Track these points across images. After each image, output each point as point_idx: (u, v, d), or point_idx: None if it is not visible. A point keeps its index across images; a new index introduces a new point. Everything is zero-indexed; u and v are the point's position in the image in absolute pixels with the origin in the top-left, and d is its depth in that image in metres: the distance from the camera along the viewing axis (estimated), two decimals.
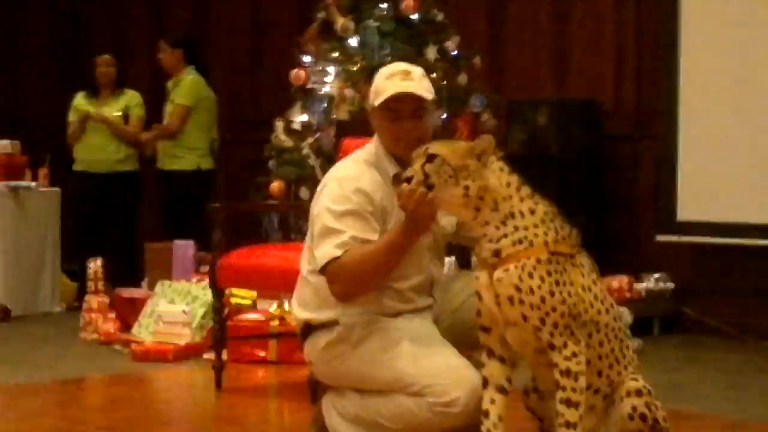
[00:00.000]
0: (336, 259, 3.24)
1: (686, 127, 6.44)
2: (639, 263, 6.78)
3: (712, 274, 6.61)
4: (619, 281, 6.45)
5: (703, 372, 5.46)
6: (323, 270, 3.29)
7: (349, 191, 3.32)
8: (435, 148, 3.16)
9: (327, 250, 3.26)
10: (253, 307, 5.80)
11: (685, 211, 6.43)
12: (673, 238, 6.47)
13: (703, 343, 6.25)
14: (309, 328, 3.45)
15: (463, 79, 6.59)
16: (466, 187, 3.11)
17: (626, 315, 5.87)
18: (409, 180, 3.12)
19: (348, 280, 3.25)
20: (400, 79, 3.35)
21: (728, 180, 6.30)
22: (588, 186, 6.83)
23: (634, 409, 3.18)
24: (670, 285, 6.60)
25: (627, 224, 6.96)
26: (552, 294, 3.07)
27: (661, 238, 6.51)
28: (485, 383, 3.18)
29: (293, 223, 6.36)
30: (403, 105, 3.34)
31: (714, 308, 6.53)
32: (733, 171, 6.28)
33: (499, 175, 3.16)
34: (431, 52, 6.48)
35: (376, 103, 3.37)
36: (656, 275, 6.58)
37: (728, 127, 6.31)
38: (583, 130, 6.87)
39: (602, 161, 6.96)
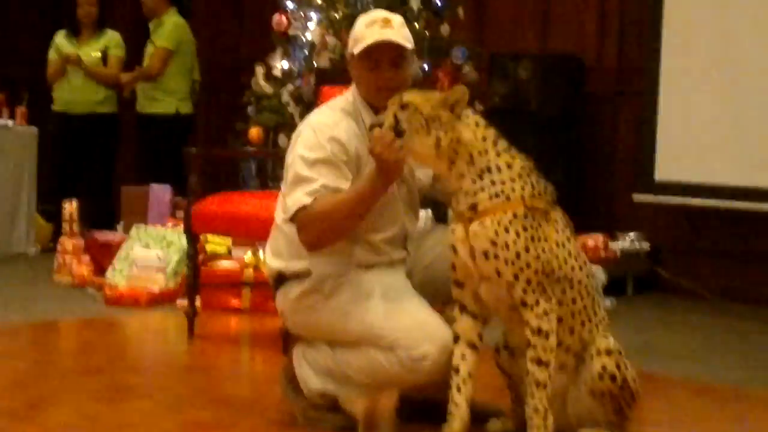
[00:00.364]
0: (305, 207, 3.22)
1: (667, 86, 6.41)
2: (615, 222, 6.78)
3: (688, 235, 6.63)
4: (594, 240, 6.42)
5: (676, 334, 5.47)
6: (293, 218, 3.26)
7: (323, 139, 3.29)
8: (409, 96, 3.15)
9: (297, 198, 3.25)
10: (228, 255, 5.77)
11: (663, 172, 6.42)
12: (650, 198, 6.46)
13: (677, 305, 6.27)
14: (281, 278, 3.44)
15: (445, 30, 6.54)
16: (438, 138, 3.10)
17: (600, 274, 5.88)
18: (380, 126, 3.10)
19: (317, 229, 3.23)
20: (380, 27, 3.32)
21: (707, 141, 6.29)
22: (567, 142, 6.82)
23: (603, 368, 3.19)
24: (646, 245, 6.60)
25: (604, 183, 6.96)
26: (527, 249, 3.06)
27: (638, 197, 6.51)
28: (456, 339, 3.18)
29: (271, 171, 6.33)
30: (382, 54, 3.31)
31: (689, 270, 6.55)
32: (713, 132, 6.26)
33: (474, 129, 3.15)
34: (415, 2, 6.42)
35: (355, 51, 3.33)
36: (632, 235, 6.58)
37: (709, 89, 6.29)
38: (565, 86, 6.85)
39: (583, 118, 6.94)
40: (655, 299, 6.41)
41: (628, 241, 6.58)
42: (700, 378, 4.45)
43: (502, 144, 3.18)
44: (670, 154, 6.42)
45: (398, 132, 3.10)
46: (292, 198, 3.27)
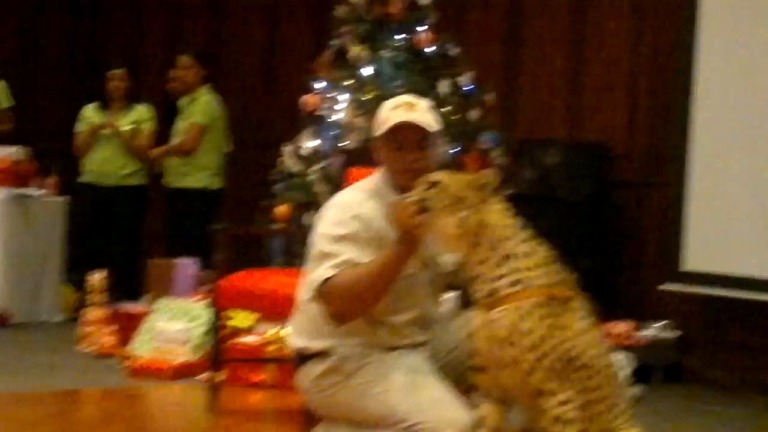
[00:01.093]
0: (329, 279, 3.23)
1: (696, 175, 6.40)
2: (643, 311, 6.73)
3: (717, 325, 6.56)
4: (621, 327, 6.40)
5: (702, 425, 5.40)
6: (318, 292, 3.26)
7: (347, 216, 3.31)
8: (438, 175, 3.18)
9: (321, 272, 3.25)
10: (251, 331, 5.75)
11: (691, 261, 6.39)
12: (678, 287, 6.42)
13: (704, 396, 6.18)
14: (303, 357, 3.43)
15: (474, 114, 6.57)
16: (462, 218, 3.11)
17: (628, 361, 5.82)
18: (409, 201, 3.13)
19: (341, 300, 3.23)
20: (404, 110, 3.35)
21: (736, 232, 6.25)
22: (594, 230, 6.80)
23: None
24: (673, 334, 6.54)
25: (632, 271, 6.92)
26: (545, 338, 3.04)
27: (664, 287, 6.47)
28: (479, 424, 3.15)
29: (296, 248, 6.34)
30: (406, 135, 3.33)
31: (717, 360, 6.48)
32: (742, 223, 6.24)
33: (499, 215, 3.16)
34: (444, 86, 6.47)
35: (380, 132, 3.36)
36: (659, 323, 6.53)
37: (739, 178, 6.27)
38: (593, 174, 6.85)
39: (610, 206, 6.93)
40: (683, 389, 6.32)
41: (655, 330, 6.52)
42: None
43: (526, 233, 3.18)
44: (698, 244, 6.38)
45: (424, 208, 3.11)
46: (315, 273, 3.28)
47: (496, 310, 3.08)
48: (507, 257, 3.11)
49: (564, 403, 3.05)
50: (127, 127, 7.54)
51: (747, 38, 6.31)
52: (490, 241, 3.12)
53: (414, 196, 3.14)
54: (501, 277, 3.10)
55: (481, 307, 3.13)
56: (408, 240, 3.16)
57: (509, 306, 3.07)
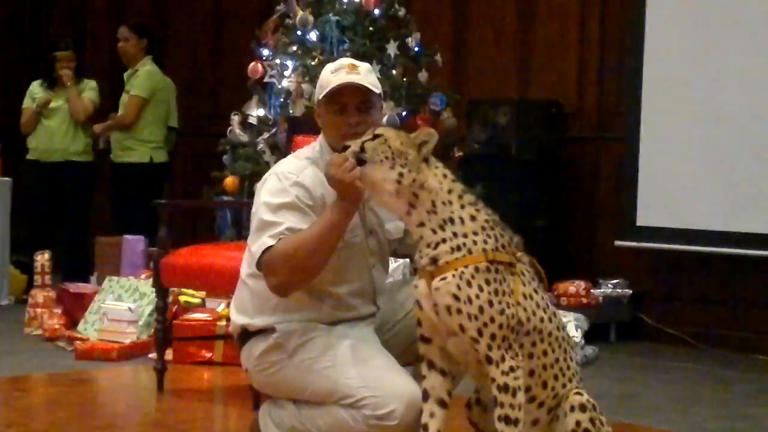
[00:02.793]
0: (270, 248, 3.13)
1: (647, 131, 6.36)
2: (597, 268, 6.71)
3: (671, 280, 6.55)
4: (575, 286, 6.38)
5: (657, 382, 5.38)
6: (259, 264, 3.17)
7: (287, 185, 3.22)
8: (382, 129, 3.10)
9: (262, 242, 3.16)
10: (202, 306, 5.67)
11: (644, 217, 6.35)
12: (632, 244, 6.39)
13: (660, 351, 6.19)
14: (245, 334, 3.34)
15: (423, 76, 6.50)
16: (401, 174, 3.01)
17: (582, 321, 5.81)
18: (347, 148, 3.05)
19: (284, 268, 3.12)
20: (346, 72, 3.26)
21: (688, 186, 6.23)
22: (547, 188, 6.75)
23: (578, 424, 3.08)
24: (628, 291, 6.52)
25: (586, 228, 6.89)
26: (491, 304, 2.96)
27: (619, 243, 6.43)
28: (425, 396, 3.08)
29: (246, 219, 6.24)
30: (348, 98, 3.24)
31: (672, 316, 6.47)
32: (694, 177, 6.21)
33: (441, 179, 3.07)
34: (392, 48, 6.39)
35: (321, 96, 3.27)
36: (614, 281, 6.51)
37: (690, 133, 6.24)
38: (544, 131, 6.80)
39: (563, 163, 6.88)
40: (638, 346, 6.33)
41: (610, 288, 6.50)
42: (682, 428, 4.35)
43: (469, 197, 3.09)
44: (651, 199, 6.36)
45: (360, 160, 3.02)
46: (256, 244, 3.18)
47: (439, 278, 3.00)
48: (448, 221, 3.03)
49: (512, 369, 2.98)
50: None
51: None
52: (429, 203, 3.03)
53: (352, 147, 3.05)
54: (442, 241, 3.01)
55: (423, 276, 3.04)
56: (347, 195, 3.06)
57: (452, 273, 2.98)
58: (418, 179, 3.03)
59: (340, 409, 3.15)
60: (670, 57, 6.33)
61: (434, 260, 3.02)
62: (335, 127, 3.27)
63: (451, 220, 3.03)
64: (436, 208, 3.04)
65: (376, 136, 3.06)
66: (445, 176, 3.09)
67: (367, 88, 3.26)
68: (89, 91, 7.45)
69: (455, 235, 3.02)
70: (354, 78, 3.24)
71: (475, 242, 3.01)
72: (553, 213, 6.71)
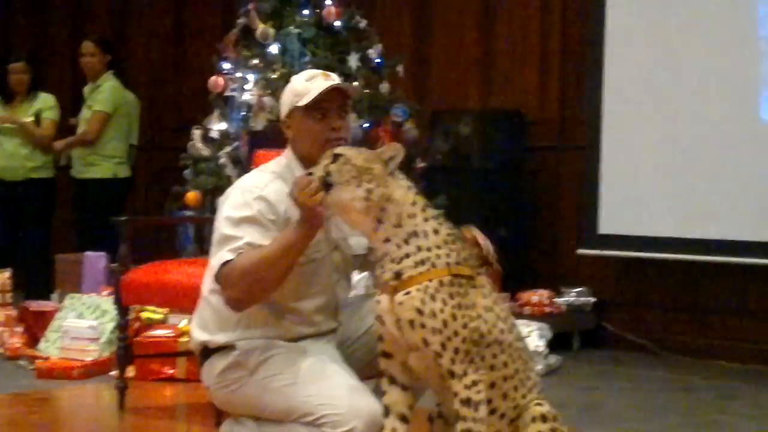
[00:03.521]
0: (228, 263, 3.12)
1: (609, 139, 6.40)
2: (560, 277, 6.73)
3: (634, 288, 6.58)
4: (539, 295, 6.39)
5: (621, 390, 5.39)
6: (217, 277, 3.15)
7: (250, 199, 3.21)
8: (340, 149, 3.08)
9: (220, 256, 3.15)
10: (164, 323, 5.63)
11: (606, 225, 6.38)
12: (595, 252, 6.42)
13: (623, 359, 6.21)
14: (206, 351, 3.33)
15: (385, 87, 6.50)
16: (368, 191, 3.01)
17: (546, 330, 5.82)
18: (310, 174, 3.03)
19: (240, 283, 3.10)
20: (323, 79, 3.28)
21: (650, 194, 6.27)
22: (510, 197, 6.77)
23: None
24: (591, 299, 6.55)
25: (549, 237, 6.91)
26: (454, 318, 2.97)
27: (582, 251, 6.45)
28: (386, 411, 3.07)
29: (208, 234, 6.20)
30: (331, 102, 3.25)
31: (635, 323, 6.50)
32: (655, 185, 6.25)
33: (405, 192, 3.07)
34: (353, 60, 6.39)
35: (301, 103, 3.25)
36: (577, 289, 6.53)
37: (651, 142, 6.28)
38: (507, 141, 6.81)
39: (525, 172, 6.90)
40: (602, 354, 6.35)
41: (573, 296, 6.52)
42: None
43: (431, 211, 3.10)
44: (613, 208, 6.39)
45: (328, 183, 3.01)
46: (216, 257, 3.17)
47: (402, 292, 3.00)
48: (412, 235, 3.03)
49: (474, 383, 2.98)
50: (29, 119, 7.33)
51: (656, 1, 6.29)
52: (396, 217, 3.03)
53: (317, 171, 3.04)
54: (406, 256, 3.01)
55: (386, 291, 3.04)
56: (310, 218, 3.05)
57: (416, 287, 2.98)
58: (385, 193, 3.03)
59: (300, 427, 3.14)
60: (630, 66, 6.37)
61: (398, 274, 3.01)
62: (316, 133, 3.26)
63: (416, 234, 3.03)
64: (402, 221, 3.04)
65: (336, 157, 3.05)
66: (409, 188, 3.10)
67: (348, 91, 3.30)
68: (48, 111, 7.39)
69: (419, 248, 3.02)
70: (334, 82, 3.27)
71: (438, 256, 3.01)
72: (515, 222, 6.72)
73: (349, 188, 3.02)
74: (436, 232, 3.05)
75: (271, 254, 3.09)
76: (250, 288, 3.12)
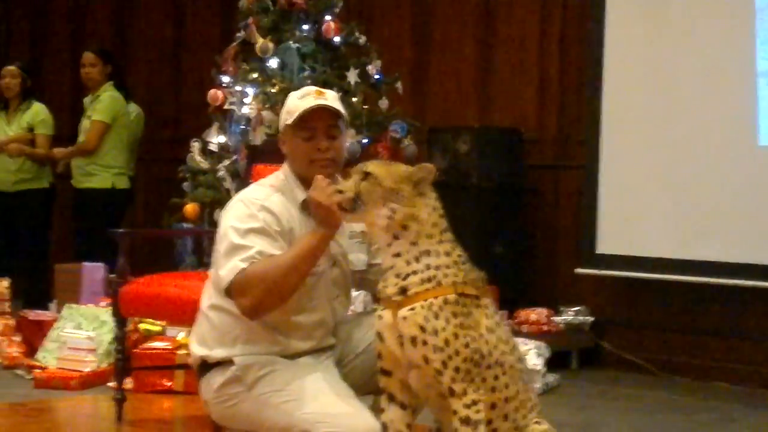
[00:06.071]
0: (242, 271, 3.11)
1: (607, 158, 6.40)
2: (558, 296, 6.73)
3: (632, 308, 6.58)
4: (537, 314, 6.39)
5: (618, 410, 5.39)
6: (229, 287, 3.14)
7: (255, 209, 3.22)
8: (371, 167, 3.07)
9: (232, 265, 3.13)
10: (162, 335, 5.62)
11: (605, 244, 6.38)
12: (593, 272, 6.42)
13: (621, 379, 6.20)
14: (205, 366, 3.33)
15: (384, 103, 6.51)
16: (393, 210, 3.02)
17: (544, 349, 5.81)
18: (341, 192, 3.04)
19: (256, 290, 3.09)
20: (314, 97, 3.29)
21: (649, 214, 6.27)
22: (508, 216, 6.77)
23: None
24: (589, 318, 6.55)
25: (547, 256, 6.91)
26: (456, 336, 2.97)
27: (580, 270, 6.46)
28: (385, 429, 3.07)
29: (207, 247, 6.22)
30: (317, 123, 3.25)
31: (633, 343, 6.49)
32: (654, 205, 6.25)
33: (430, 212, 3.07)
34: (352, 76, 6.40)
35: (290, 120, 3.27)
36: (575, 308, 6.53)
37: (650, 161, 6.28)
38: (505, 159, 6.82)
39: (523, 191, 6.90)
40: (600, 374, 6.33)
41: (571, 315, 6.52)
42: None
43: (448, 235, 3.10)
44: (611, 227, 6.39)
45: (357, 206, 3.02)
46: (226, 268, 3.15)
47: (406, 308, 3.00)
48: (424, 254, 3.03)
49: (474, 403, 2.98)
50: (21, 130, 7.31)
51: (655, 21, 6.33)
52: (415, 235, 3.04)
53: (347, 190, 3.04)
54: (414, 273, 3.02)
55: (389, 305, 3.03)
56: (327, 220, 3.07)
57: (420, 304, 2.98)
58: (409, 213, 3.03)
59: None
60: (629, 86, 6.38)
61: (403, 290, 3.01)
62: (304, 153, 3.27)
63: (428, 253, 3.04)
64: (419, 240, 3.04)
65: (366, 175, 3.05)
66: (434, 209, 3.09)
67: (336, 111, 3.28)
68: (40, 125, 7.41)
69: (428, 267, 3.02)
70: (322, 102, 3.27)
71: (446, 275, 3.02)
72: (513, 240, 6.73)
73: (375, 208, 3.03)
74: (447, 254, 3.06)
75: (289, 260, 3.10)
76: (267, 295, 3.12)
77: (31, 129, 7.39)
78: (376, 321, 3.07)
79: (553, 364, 5.86)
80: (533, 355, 5.63)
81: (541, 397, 3.31)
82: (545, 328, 6.35)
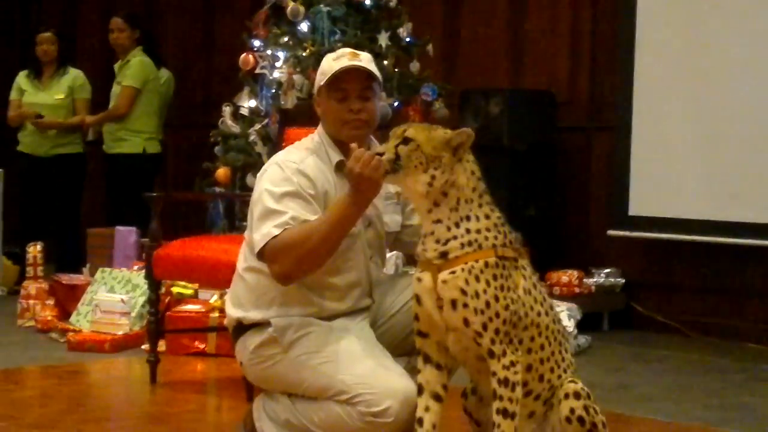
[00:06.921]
0: (275, 237, 3.12)
1: (639, 120, 6.36)
2: (590, 258, 6.71)
3: (663, 270, 6.56)
4: (568, 276, 6.38)
5: (650, 371, 5.39)
6: (261, 253, 3.15)
7: (290, 173, 3.22)
8: (412, 131, 3.05)
9: (266, 231, 3.14)
10: (194, 297, 5.66)
11: (637, 206, 6.36)
12: (625, 233, 6.40)
13: (652, 340, 6.20)
14: (240, 328, 3.35)
15: (415, 66, 6.49)
16: (433, 177, 3.01)
17: (575, 310, 5.81)
18: (380, 154, 3.02)
19: (288, 257, 3.10)
20: (348, 59, 3.28)
21: (681, 175, 6.24)
22: (540, 178, 6.75)
23: (572, 411, 3.09)
24: (621, 280, 6.54)
25: (579, 217, 6.90)
26: (497, 299, 2.98)
27: (612, 232, 6.44)
28: (420, 390, 3.08)
29: (238, 211, 6.24)
30: (350, 84, 3.25)
31: (664, 304, 6.48)
32: (686, 167, 6.22)
33: (469, 176, 3.06)
34: (383, 39, 6.38)
35: (324, 81, 3.27)
36: (606, 270, 6.52)
37: (682, 122, 6.25)
38: (537, 121, 6.78)
39: (555, 153, 6.88)
40: (631, 335, 6.34)
41: (602, 277, 6.51)
42: (673, 418, 4.36)
43: (487, 197, 3.10)
44: (643, 189, 6.36)
45: (396, 167, 3.01)
46: (260, 232, 3.16)
47: (447, 271, 2.99)
48: (464, 219, 3.03)
49: (513, 364, 2.99)
50: (59, 97, 7.34)
51: None
52: (454, 201, 3.03)
53: (387, 153, 3.02)
54: (453, 238, 3.01)
55: (429, 268, 3.03)
56: (365, 189, 3.05)
57: (461, 267, 2.98)
58: (450, 179, 3.03)
59: (335, 405, 3.16)
60: (661, 46, 6.33)
61: (443, 254, 3.01)
62: (337, 114, 3.27)
63: (468, 218, 3.03)
64: (459, 205, 3.04)
65: (406, 140, 3.03)
66: (473, 173, 3.08)
67: (369, 73, 3.28)
68: (79, 90, 7.43)
69: (468, 231, 3.02)
70: (356, 63, 3.26)
71: (486, 238, 3.02)
72: (545, 203, 6.71)
73: (415, 172, 3.02)
74: (487, 216, 3.06)
75: (321, 227, 3.10)
76: (300, 262, 3.12)
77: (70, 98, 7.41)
78: (414, 283, 3.07)
79: (584, 325, 5.86)
80: (565, 316, 5.62)
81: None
82: (577, 290, 6.35)
